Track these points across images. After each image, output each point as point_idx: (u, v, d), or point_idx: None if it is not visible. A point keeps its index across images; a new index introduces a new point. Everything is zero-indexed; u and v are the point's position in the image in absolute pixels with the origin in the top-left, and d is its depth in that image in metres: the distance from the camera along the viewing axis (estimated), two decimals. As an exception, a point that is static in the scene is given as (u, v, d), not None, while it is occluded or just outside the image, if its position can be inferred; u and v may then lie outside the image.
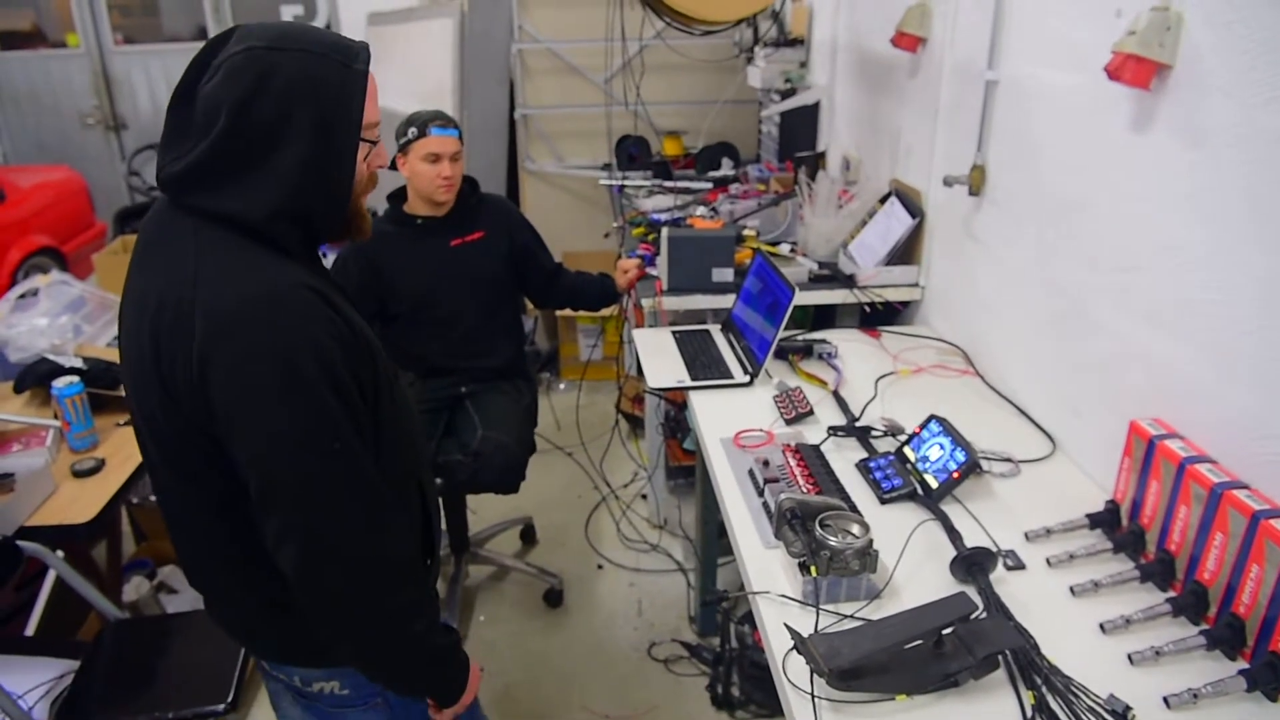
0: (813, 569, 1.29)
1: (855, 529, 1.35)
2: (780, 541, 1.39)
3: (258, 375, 1.02)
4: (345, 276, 2.38)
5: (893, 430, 1.81)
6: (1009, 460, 1.73)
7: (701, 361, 2.15)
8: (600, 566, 2.94)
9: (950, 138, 2.23)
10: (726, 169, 3.57)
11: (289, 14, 5.69)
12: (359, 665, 1.22)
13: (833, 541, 1.30)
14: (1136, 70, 1.39)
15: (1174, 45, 1.37)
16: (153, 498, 2.80)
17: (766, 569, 1.44)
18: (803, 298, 2.33)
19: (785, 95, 3.36)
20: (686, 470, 3.04)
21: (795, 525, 1.34)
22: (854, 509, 1.54)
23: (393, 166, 2.37)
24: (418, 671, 1.23)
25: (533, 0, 4.09)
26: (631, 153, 3.80)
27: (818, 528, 1.33)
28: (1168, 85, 1.41)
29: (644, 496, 3.23)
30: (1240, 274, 1.31)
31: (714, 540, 2.47)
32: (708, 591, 2.50)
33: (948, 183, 2.11)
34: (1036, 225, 1.86)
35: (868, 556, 1.32)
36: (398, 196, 2.49)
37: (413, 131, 2.30)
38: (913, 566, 1.43)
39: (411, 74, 4.58)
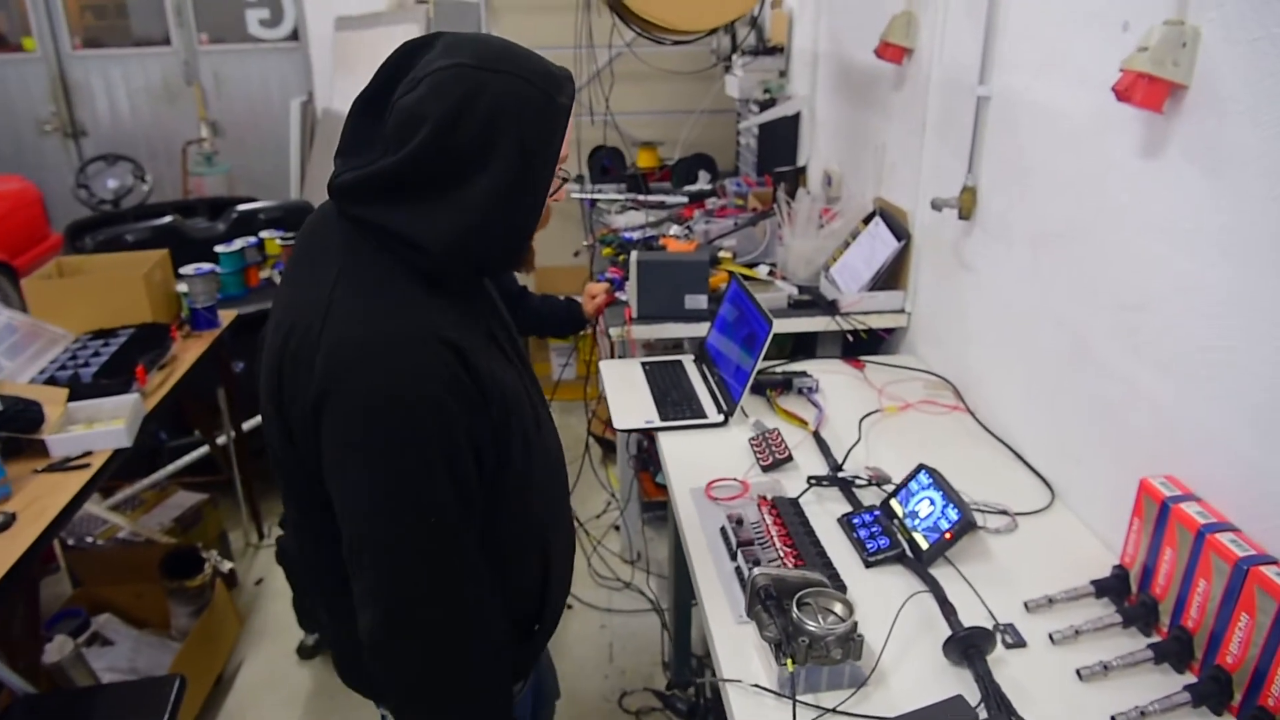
0: (789, 661, 1.14)
1: (838, 609, 1.19)
2: (753, 619, 1.24)
3: (366, 426, 0.96)
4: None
5: (878, 480, 1.66)
6: (1005, 513, 1.59)
7: (672, 398, 2.00)
8: (570, 606, 2.77)
9: (938, 156, 2.09)
10: (703, 182, 3.42)
11: (255, 18, 5.52)
12: None
13: (811, 626, 1.15)
14: (1148, 91, 1.24)
15: (1189, 64, 1.22)
16: (89, 538, 2.62)
17: (738, 649, 1.28)
18: (782, 325, 2.17)
19: (764, 106, 3.21)
20: (661, 504, 2.88)
21: (769, 606, 1.19)
22: (836, 579, 1.39)
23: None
24: None
25: (500, 6, 3.93)
26: (605, 164, 3.65)
27: (795, 608, 1.17)
28: (1182, 108, 1.26)
29: (616, 528, 3.07)
30: (1265, 321, 1.16)
31: (687, 586, 2.31)
32: (677, 673, 2.33)
33: (936, 206, 1.96)
34: (1033, 254, 1.71)
35: (851, 643, 1.16)
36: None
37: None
38: (902, 644, 1.27)
39: (378, 81, 4.41)
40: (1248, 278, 1.18)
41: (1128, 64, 1.26)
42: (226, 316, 2.74)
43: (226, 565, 2.55)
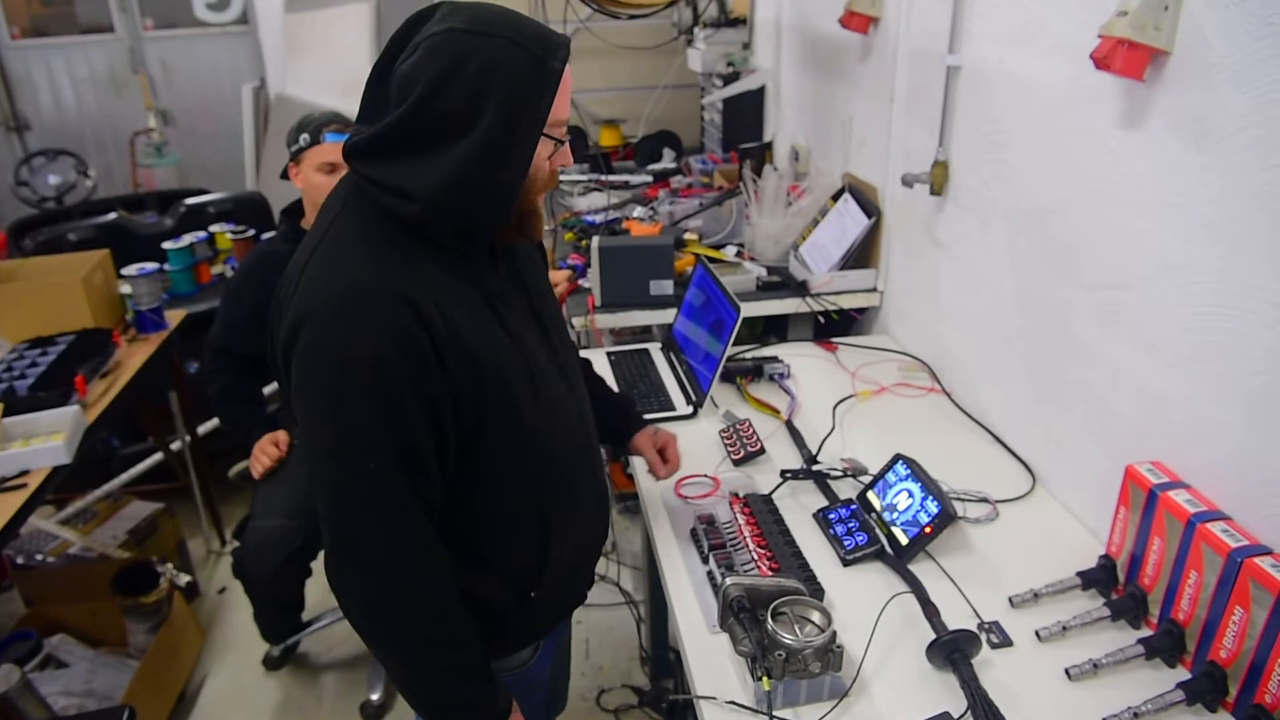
0: (764, 679, 1.07)
1: (815, 618, 1.13)
2: (727, 632, 1.17)
3: (312, 375, 1.03)
4: (238, 304, 2.11)
5: (854, 471, 1.59)
6: (985, 500, 1.53)
7: (639, 390, 1.92)
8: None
9: (908, 129, 2.01)
10: (668, 161, 3.33)
11: (201, 1, 5.31)
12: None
13: (787, 639, 1.08)
14: (1128, 57, 1.17)
15: (1172, 28, 1.15)
16: (39, 556, 2.51)
17: (713, 661, 1.22)
18: (751, 308, 2.10)
19: (728, 80, 3.11)
20: (634, 494, 2.81)
21: (743, 619, 1.12)
22: (813, 581, 1.32)
23: (285, 176, 2.09)
24: (432, 709, 1.17)
25: (454, -18, 3.78)
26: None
27: (770, 620, 1.11)
28: (1164, 75, 1.19)
29: (592, 519, 3.00)
30: (1255, 300, 1.10)
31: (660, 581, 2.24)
32: (656, 671, 2.26)
33: (907, 182, 1.88)
34: (1008, 231, 1.64)
35: (830, 654, 1.10)
36: (293, 211, 2.20)
37: (304, 139, 2.01)
38: (884, 650, 1.22)
39: (329, 62, 4.26)
40: (1238, 254, 1.12)
41: (1106, 29, 1.18)
42: (175, 316, 2.63)
43: (184, 578, 2.45)
